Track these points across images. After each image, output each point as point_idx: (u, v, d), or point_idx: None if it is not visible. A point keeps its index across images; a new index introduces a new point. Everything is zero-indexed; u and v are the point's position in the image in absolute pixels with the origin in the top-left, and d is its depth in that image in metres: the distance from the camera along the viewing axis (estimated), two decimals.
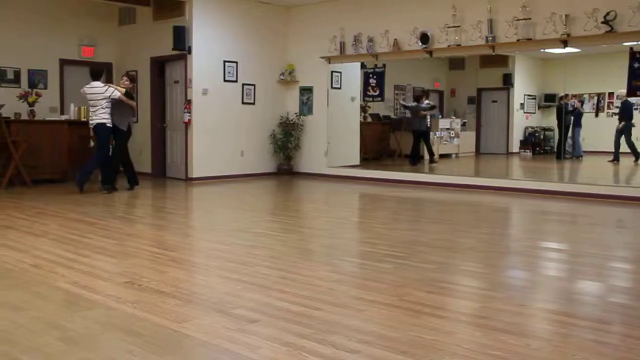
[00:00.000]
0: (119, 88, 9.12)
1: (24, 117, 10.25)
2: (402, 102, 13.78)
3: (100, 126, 8.94)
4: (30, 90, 10.60)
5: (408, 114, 13.68)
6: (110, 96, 8.94)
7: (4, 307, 3.52)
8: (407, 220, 7.29)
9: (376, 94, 11.99)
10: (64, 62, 11.60)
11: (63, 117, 10.82)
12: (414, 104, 13.02)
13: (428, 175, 11.01)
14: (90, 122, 9.03)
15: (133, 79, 9.50)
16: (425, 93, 13.42)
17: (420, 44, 10.15)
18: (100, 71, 9.33)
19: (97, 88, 8.97)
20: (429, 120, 12.90)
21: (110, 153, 9.27)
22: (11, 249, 5.11)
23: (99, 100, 8.91)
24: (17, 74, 10.90)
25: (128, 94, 9.24)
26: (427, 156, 12.88)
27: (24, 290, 3.91)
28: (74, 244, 5.37)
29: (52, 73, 11.41)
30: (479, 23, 9.49)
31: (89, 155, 10.83)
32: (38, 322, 3.26)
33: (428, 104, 12.99)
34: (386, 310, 3.50)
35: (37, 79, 11.17)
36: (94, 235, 5.80)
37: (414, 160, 12.69)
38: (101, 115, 8.92)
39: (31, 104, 10.28)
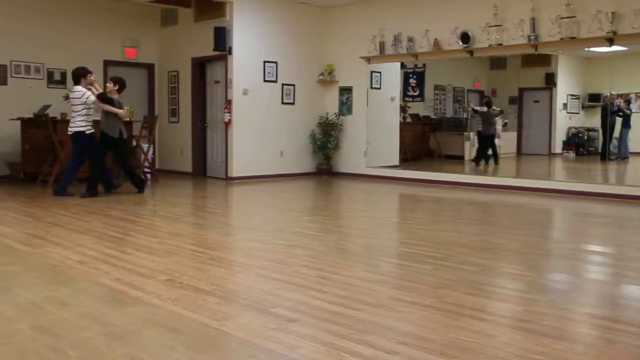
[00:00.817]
0: (95, 90, 8.50)
1: (70, 117, 10.47)
2: (473, 107, 13.52)
3: (77, 134, 8.39)
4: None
5: (449, 115, 13.57)
6: (85, 101, 8.35)
7: (51, 302, 3.61)
8: (446, 221, 7.22)
9: (416, 94, 11.93)
10: (107, 63, 11.83)
11: None
12: (485, 109, 12.88)
13: (468, 176, 10.89)
14: (69, 129, 8.49)
15: (120, 83, 8.76)
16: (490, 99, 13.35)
17: (461, 43, 10.05)
18: (79, 74, 8.50)
19: (76, 93, 8.41)
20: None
21: (88, 160, 8.58)
22: (57, 246, 5.24)
23: (76, 106, 8.38)
24: (63, 75, 11.17)
25: (104, 97, 8.50)
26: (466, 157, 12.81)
27: (69, 286, 4.01)
28: (116, 241, 5.48)
29: (96, 74, 11.60)
30: (521, 22, 9.35)
31: (132, 154, 11.05)
32: (83, 318, 3.33)
33: (494, 109, 12.93)
34: (425, 311, 3.48)
35: None
36: (136, 233, 5.90)
37: (482, 160, 12.65)
38: (78, 123, 8.37)
39: None
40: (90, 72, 8.67)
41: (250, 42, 11.00)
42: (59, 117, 10.26)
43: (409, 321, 3.32)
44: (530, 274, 4.52)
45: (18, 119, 10.00)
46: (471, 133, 13.92)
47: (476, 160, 12.72)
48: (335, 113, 12.04)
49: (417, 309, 3.52)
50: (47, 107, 9.83)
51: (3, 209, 7.35)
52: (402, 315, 3.41)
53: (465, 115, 14.43)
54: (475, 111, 13.41)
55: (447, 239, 5.75)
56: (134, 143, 10.95)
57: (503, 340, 3.03)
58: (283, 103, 11.62)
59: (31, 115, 9.99)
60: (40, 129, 9.72)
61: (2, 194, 8.61)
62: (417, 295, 3.78)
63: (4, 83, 10.55)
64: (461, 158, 13.71)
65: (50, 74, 11.02)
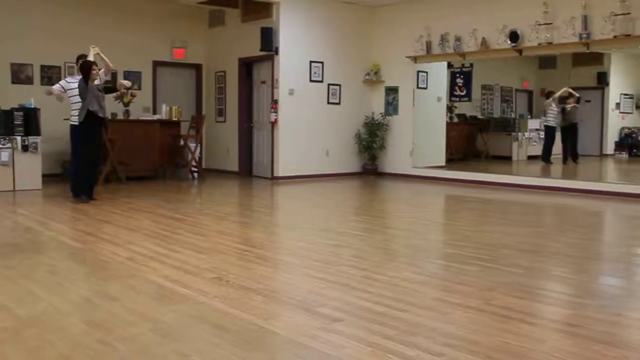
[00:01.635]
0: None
1: (120, 116, 10.71)
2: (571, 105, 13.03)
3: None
4: (125, 91, 11.06)
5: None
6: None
7: (103, 297, 3.70)
8: (493, 222, 7.12)
9: (463, 93, 11.79)
10: (156, 64, 12.06)
11: (155, 117, 11.24)
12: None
13: (516, 177, 10.69)
14: None
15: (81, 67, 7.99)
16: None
17: (509, 42, 9.89)
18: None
19: None
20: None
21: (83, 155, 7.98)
22: (108, 243, 5.36)
23: None
24: (114, 75, 11.40)
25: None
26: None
27: (119, 282, 4.09)
28: (165, 239, 5.57)
29: (145, 74, 11.89)
30: (572, 20, 9.14)
31: (180, 153, 11.27)
32: (132, 313, 3.40)
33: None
34: (472, 313, 3.43)
35: (132, 80, 11.64)
36: (184, 231, 5.99)
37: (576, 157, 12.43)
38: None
39: (126, 104, 10.73)
40: (78, 59, 8.41)
41: (297, 43, 11.05)
42: (109, 117, 10.49)
43: (455, 323, 3.29)
44: (579, 278, 4.43)
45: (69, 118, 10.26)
46: (519, 133, 13.67)
47: (575, 158, 12.42)
48: (381, 113, 12.00)
49: (463, 310, 3.49)
50: None
51: (56, 206, 7.56)
52: (447, 317, 3.37)
53: (513, 116, 14.19)
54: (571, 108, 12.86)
55: (493, 241, 5.67)
56: (182, 142, 11.14)
57: (552, 345, 2.98)
58: (329, 103, 11.63)
59: None
60: None
61: (55, 192, 8.86)
62: (463, 297, 3.74)
63: None
64: (509, 159, 13.50)
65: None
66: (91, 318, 3.31)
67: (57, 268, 4.57)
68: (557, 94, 12.26)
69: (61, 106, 9.63)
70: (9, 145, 8.89)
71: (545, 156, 12.46)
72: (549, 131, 12.43)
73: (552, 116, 12.36)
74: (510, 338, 3.03)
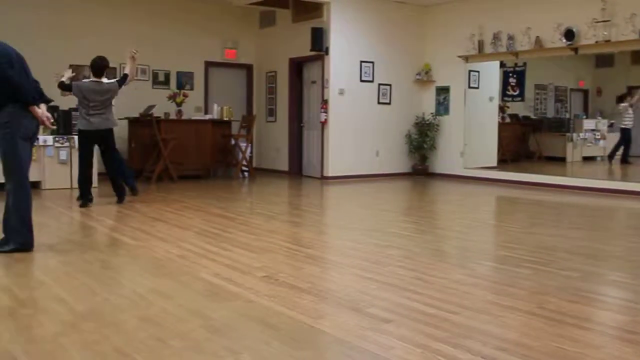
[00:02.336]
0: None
1: (172, 116, 10.90)
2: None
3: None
4: (178, 91, 11.27)
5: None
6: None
7: (155, 294, 3.77)
8: (547, 224, 6.96)
9: (516, 93, 11.59)
10: (208, 64, 12.23)
11: (207, 117, 11.40)
12: None
13: (570, 178, 10.44)
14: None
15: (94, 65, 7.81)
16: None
17: (564, 40, 9.66)
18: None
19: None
20: None
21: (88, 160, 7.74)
22: (160, 240, 5.46)
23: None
24: (167, 76, 11.65)
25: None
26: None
27: (171, 279, 4.16)
28: (216, 237, 5.64)
29: (197, 75, 12.08)
30: (632, 16, 8.87)
31: (231, 153, 11.40)
32: (184, 310, 3.45)
33: None
34: (525, 317, 3.36)
35: (184, 80, 11.87)
36: (235, 230, 6.06)
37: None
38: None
39: (179, 104, 10.92)
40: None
41: (347, 42, 11.05)
42: (162, 117, 10.71)
43: (507, 326, 3.22)
44: (638, 283, 4.28)
45: (125, 118, 10.50)
46: (574, 134, 13.35)
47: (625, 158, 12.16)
48: (431, 113, 11.89)
49: (515, 314, 3.42)
50: (151, 107, 10.27)
51: (111, 204, 7.74)
52: (499, 320, 3.31)
53: (568, 116, 13.87)
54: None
55: (547, 244, 5.55)
56: (233, 142, 11.27)
57: (610, 352, 2.88)
58: (379, 103, 11.59)
59: (137, 115, 10.47)
60: (145, 127, 10.16)
61: (110, 190, 9.06)
62: (516, 300, 3.67)
63: None
64: (562, 160, 13.21)
65: (155, 75, 11.51)
66: (144, 313, 3.38)
67: (111, 264, 4.68)
68: (636, 97, 11.93)
69: (116, 106, 9.88)
70: (67, 144, 9.16)
71: (611, 156, 12.22)
72: (625, 133, 12.15)
73: (629, 119, 12.08)
74: (564, 343, 2.96)
